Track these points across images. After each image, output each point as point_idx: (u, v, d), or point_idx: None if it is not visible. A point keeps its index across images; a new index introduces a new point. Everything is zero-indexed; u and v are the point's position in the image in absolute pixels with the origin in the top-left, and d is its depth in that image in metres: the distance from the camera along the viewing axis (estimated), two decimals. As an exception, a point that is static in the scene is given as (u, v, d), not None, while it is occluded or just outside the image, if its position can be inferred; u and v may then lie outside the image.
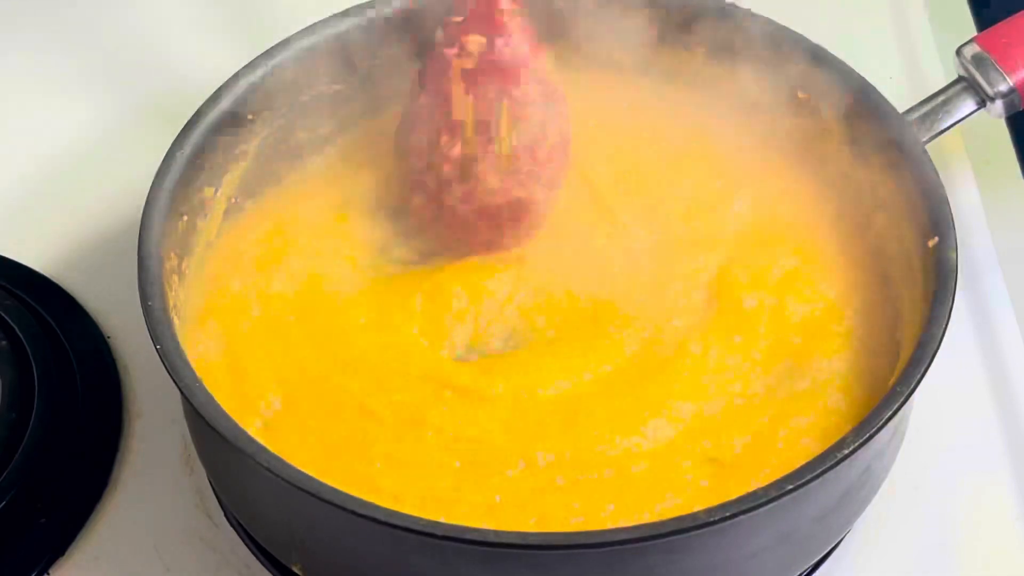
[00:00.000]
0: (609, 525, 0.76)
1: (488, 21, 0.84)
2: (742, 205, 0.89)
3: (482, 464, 0.78)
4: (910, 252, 0.83)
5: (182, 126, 0.85)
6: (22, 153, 1.05)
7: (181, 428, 0.89)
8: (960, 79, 0.90)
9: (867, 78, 0.88)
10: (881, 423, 0.73)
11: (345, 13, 0.91)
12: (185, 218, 0.84)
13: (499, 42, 0.84)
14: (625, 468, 0.79)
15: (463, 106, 0.84)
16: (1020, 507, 0.87)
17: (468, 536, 0.71)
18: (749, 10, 0.91)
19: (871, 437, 0.73)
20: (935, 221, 0.81)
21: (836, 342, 0.83)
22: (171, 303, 0.81)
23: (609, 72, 0.94)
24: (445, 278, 0.86)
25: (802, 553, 0.80)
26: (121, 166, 1.01)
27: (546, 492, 0.78)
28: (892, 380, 0.76)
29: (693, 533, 0.70)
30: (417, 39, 0.91)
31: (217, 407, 0.75)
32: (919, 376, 0.75)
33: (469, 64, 0.84)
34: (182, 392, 0.75)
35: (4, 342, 0.90)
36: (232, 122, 0.87)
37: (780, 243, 0.88)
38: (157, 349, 0.76)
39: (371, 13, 0.91)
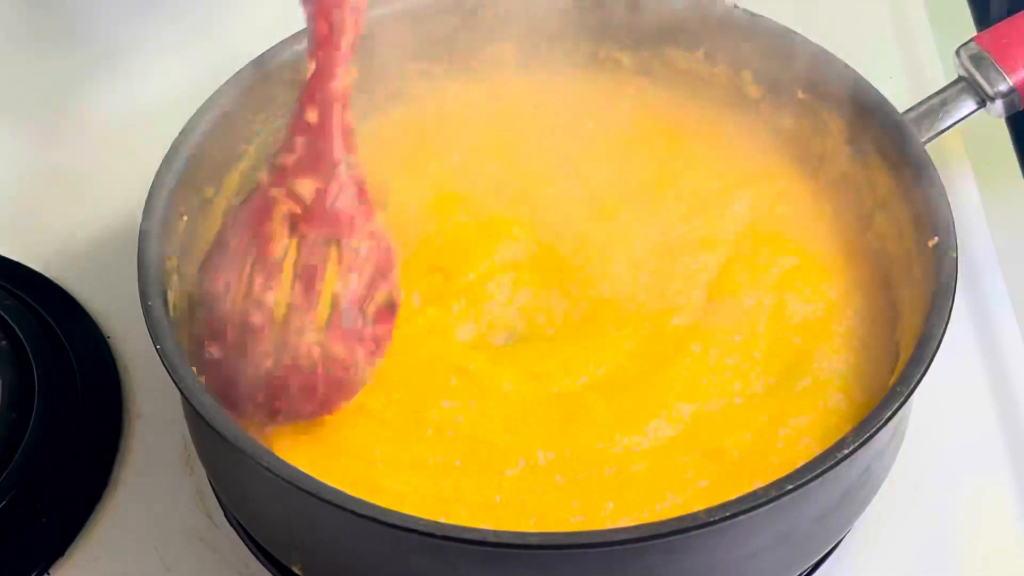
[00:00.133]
0: (609, 524, 0.76)
1: (322, 166, 0.79)
2: (742, 205, 0.90)
3: (483, 463, 0.79)
4: (910, 252, 0.83)
5: (182, 126, 0.85)
6: (22, 153, 1.05)
7: (181, 428, 0.89)
8: (960, 79, 0.90)
9: (867, 78, 0.88)
10: (881, 423, 0.73)
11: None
12: (185, 218, 0.84)
13: (333, 189, 0.78)
14: (625, 467, 0.79)
15: (284, 250, 0.78)
16: (1020, 507, 0.87)
17: (468, 536, 0.71)
18: (749, 10, 0.91)
19: (871, 437, 0.73)
20: (935, 221, 0.81)
21: (836, 342, 0.83)
22: (171, 303, 0.81)
23: (609, 72, 0.94)
24: (445, 277, 0.86)
25: (802, 553, 0.80)
26: (121, 166, 1.01)
27: (546, 491, 0.78)
28: (892, 380, 0.76)
29: (693, 533, 0.70)
30: (417, 39, 0.90)
31: (217, 407, 0.75)
32: (919, 376, 0.75)
33: (297, 208, 0.78)
34: (182, 392, 0.75)
35: (4, 342, 0.90)
36: (232, 122, 0.87)
37: (780, 243, 0.88)
38: (157, 349, 0.76)
39: (371, 13, 0.91)
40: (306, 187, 0.79)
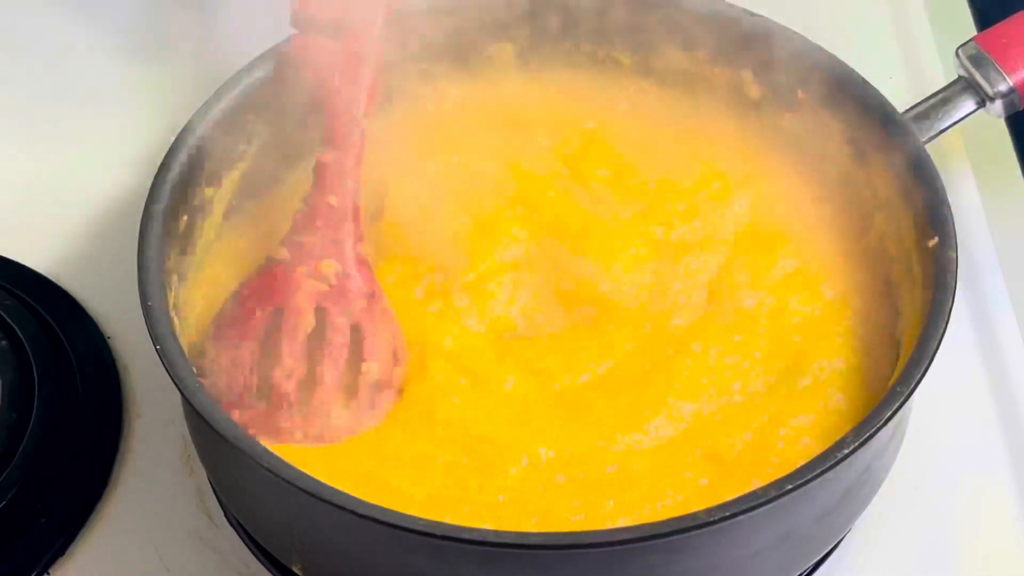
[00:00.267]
0: (609, 523, 0.76)
1: (342, 249, 0.83)
2: (742, 205, 0.90)
3: (487, 461, 0.79)
4: (910, 252, 0.83)
5: (182, 126, 0.85)
6: (22, 153, 1.05)
7: (181, 428, 0.89)
8: (960, 79, 0.90)
9: (867, 78, 0.87)
10: (881, 423, 0.73)
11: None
12: (185, 218, 0.84)
13: (351, 270, 0.83)
14: (626, 466, 0.79)
15: (309, 326, 0.82)
16: (1020, 507, 0.87)
17: (468, 536, 0.71)
18: (749, 10, 0.91)
19: (871, 437, 0.73)
20: (935, 221, 0.81)
21: (836, 342, 0.83)
22: (171, 303, 0.81)
23: (609, 72, 0.94)
24: (445, 277, 0.86)
25: (802, 553, 0.80)
26: (121, 166, 1.01)
27: (547, 490, 0.78)
28: (892, 380, 0.76)
29: (693, 533, 0.70)
30: (417, 39, 0.90)
31: (217, 407, 0.75)
32: (919, 376, 0.75)
33: (323, 287, 0.83)
34: (182, 392, 0.75)
35: (4, 342, 0.90)
36: (232, 122, 0.87)
37: (780, 243, 0.88)
38: (157, 349, 0.76)
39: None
40: (331, 268, 0.83)
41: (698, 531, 0.70)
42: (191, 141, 0.85)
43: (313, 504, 0.71)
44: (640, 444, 0.80)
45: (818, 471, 0.72)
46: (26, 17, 1.13)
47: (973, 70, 0.89)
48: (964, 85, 0.89)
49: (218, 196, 0.87)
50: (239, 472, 0.78)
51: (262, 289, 0.83)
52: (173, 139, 0.85)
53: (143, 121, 1.05)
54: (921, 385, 0.75)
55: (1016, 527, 0.86)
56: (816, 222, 0.89)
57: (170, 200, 0.83)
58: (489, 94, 0.94)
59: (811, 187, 0.90)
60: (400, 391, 0.83)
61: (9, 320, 0.91)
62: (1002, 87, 0.89)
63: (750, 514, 0.71)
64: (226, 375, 0.82)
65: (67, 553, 0.85)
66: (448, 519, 0.75)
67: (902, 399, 0.74)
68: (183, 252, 0.84)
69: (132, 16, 1.13)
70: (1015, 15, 0.91)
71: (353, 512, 0.71)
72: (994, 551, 0.86)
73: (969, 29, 1.09)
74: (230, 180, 0.88)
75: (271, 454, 0.73)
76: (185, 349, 0.78)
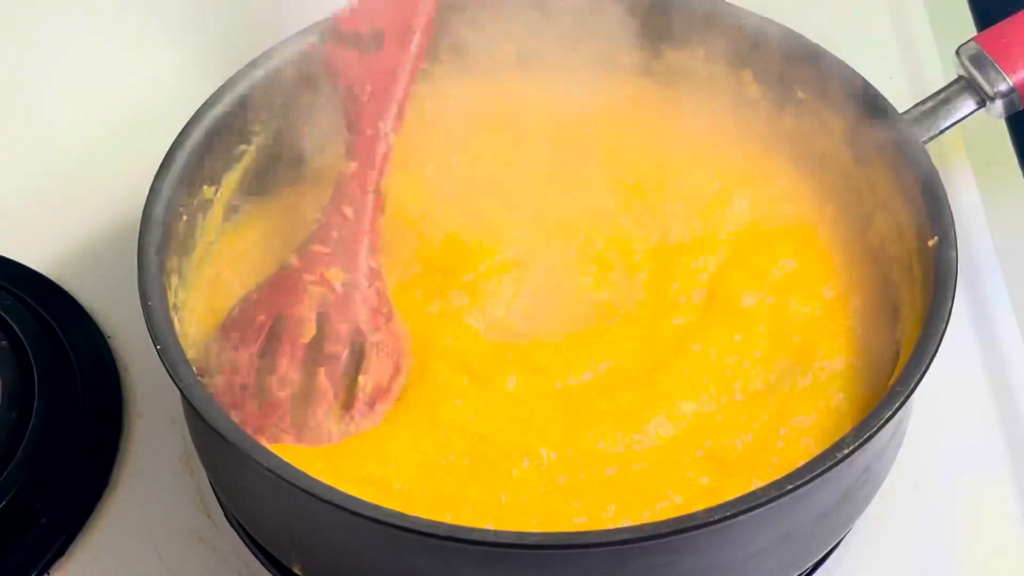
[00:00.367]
0: (611, 524, 0.76)
1: (353, 260, 0.84)
2: (742, 205, 0.90)
3: (490, 462, 0.79)
4: (910, 252, 0.83)
5: (182, 126, 0.85)
6: (22, 153, 1.05)
7: (181, 428, 0.89)
8: (960, 79, 0.90)
9: (867, 78, 0.87)
10: (881, 423, 0.73)
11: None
12: (185, 218, 0.84)
13: (361, 282, 0.83)
14: (626, 466, 0.79)
15: (310, 334, 0.82)
16: (1020, 507, 0.87)
17: (468, 536, 0.71)
18: (749, 10, 0.91)
19: (871, 437, 0.73)
20: (935, 221, 0.81)
21: (836, 341, 0.83)
22: (171, 303, 0.81)
23: (609, 72, 0.94)
24: (445, 277, 0.86)
25: (802, 553, 0.80)
26: (121, 166, 1.01)
27: (548, 491, 0.78)
28: (892, 380, 0.76)
29: (693, 533, 0.70)
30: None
31: (217, 407, 0.75)
32: (919, 376, 0.75)
33: (328, 295, 0.83)
34: (182, 392, 0.75)
35: (4, 342, 0.90)
36: (232, 122, 0.87)
37: (780, 243, 0.88)
38: (157, 349, 0.76)
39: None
40: (338, 276, 0.83)
41: (698, 531, 0.70)
42: (191, 141, 0.85)
43: (313, 504, 0.71)
44: (641, 444, 0.80)
45: (818, 471, 0.72)
46: (25, 17, 1.13)
47: (973, 70, 0.89)
48: (964, 85, 0.89)
49: (218, 196, 0.87)
50: (239, 472, 0.78)
51: (269, 295, 0.84)
52: (173, 139, 0.85)
53: (143, 121, 1.05)
54: (921, 385, 0.75)
55: (1016, 527, 0.86)
56: (816, 222, 0.89)
57: (170, 200, 0.83)
58: (489, 94, 0.94)
59: (811, 187, 0.90)
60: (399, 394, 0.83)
61: (9, 320, 0.91)
62: (1002, 87, 0.89)
63: (750, 514, 0.71)
64: (226, 376, 0.82)
65: (67, 553, 0.85)
66: (449, 519, 0.75)
67: (902, 399, 0.74)
68: (183, 252, 0.84)
69: (130, 14, 1.13)
70: (1015, 15, 0.91)
71: (353, 512, 0.71)
72: (994, 551, 0.86)
73: (969, 29, 1.09)
74: (230, 180, 0.88)
75: (271, 454, 0.73)
76: (185, 349, 0.78)
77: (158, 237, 0.81)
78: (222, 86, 0.87)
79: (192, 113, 0.86)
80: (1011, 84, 0.89)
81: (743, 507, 0.70)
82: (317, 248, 0.84)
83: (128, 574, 0.85)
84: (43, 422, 0.87)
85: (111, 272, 0.96)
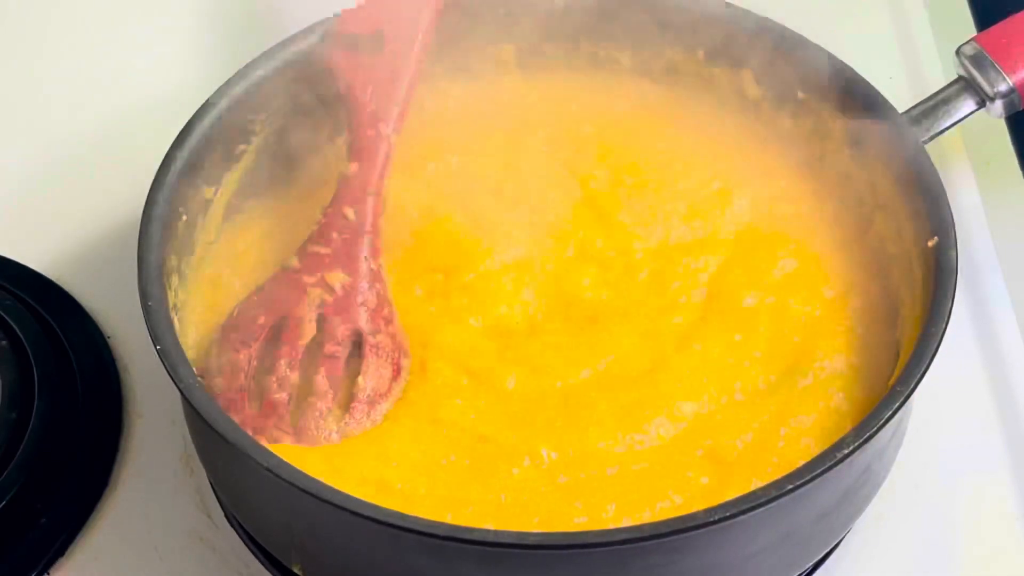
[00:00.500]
0: (611, 524, 0.76)
1: (354, 262, 0.84)
2: (742, 205, 0.90)
3: (490, 462, 0.79)
4: (910, 252, 0.83)
5: (182, 126, 0.85)
6: (22, 153, 1.05)
7: (181, 428, 0.89)
8: (960, 79, 0.90)
9: (867, 78, 0.87)
10: (881, 423, 0.73)
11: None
12: (185, 218, 0.84)
13: (361, 285, 0.83)
14: (627, 466, 0.79)
15: (310, 335, 0.82)
16: (1020, 507, 0.87)
17: (468, 536, 0.71)
18: (749, 11, 0.91)
19: (871, 437, 0.73)
20: (935, 221, 0.81)
21: (836, 341, 0.83)
22: (171, 303, 0.81)
23: (609, 72, 0.94)
24: (445, 277, 0.86)
25: (802, 553, 0.80)
26: (121, 166, 1.01)
27: (549, 491, 0.78)
28: (892, 380, 0.76)
29: (693, 533, 0.70)
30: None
31: (217, 407, 0.75)
32: (919, 376, 0.75)
33: (328, 298, 0.83)
34: (182, 392, 0.75)
35: (4, 342, 0.90)
36: (232, 123, 0.87)
37: (780, 243, 0.88)
38: (157, 349, 0.76)
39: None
40: (338, 279, 0.83)
41: (698, 531, 0.70)
42: (190, 141, 0.85)
43: (313, 504, 0.71)
44: (641, 444, 0.80)
45: (818, 471, 0.72)
46: (26, 18, 1.13)
47: (973, 70, 0.89)
48: (964, 85, 0.89)
49: (218, 196, 0.87)
50: (239, 472, 0.78)
51: (269, 296, 0.84)
52: (173, 139, 0.85)
53: (143, 121, 1.05)
54: (921, 385, 0.75)
55: (1016, 527, 0.86)
56: (816, 222, 0.89)
57: (170, 200, 0.83)
58: (489, 94, 0.94)
59: (811, 187, 0.90)
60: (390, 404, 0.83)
61: (9, 320, 0.91)
62: (1002, 87, 0.89)
63: (750, 514, 0.71)
64: (226, 377, 0.82)
65: (67, 553, 0.85)
66: (449, 519, 0.75)
67: (902, 399, 0.74)
68: (183, 252, 0.84)
69: (131, 15, 1.13)
70: (1015, 15, 0.91)
71: (353, 512, 0.71)
72: (994, 551, 0.86)
73: (969, 29, 1.09)
74: (230, 180, 0.88)
75: (271, 454, 0.73)
76: (185, 349, 0.78)
77: (158, 237, 0.81)
78: (222, 86, 0.87)
79: (192, 113, 0.86)
80: (1011, 84, 0.89)
81: (743, 507, 0.70)
82: (318, 249, 0.84)
83: (128, 574, 0.85)
84: (43, 422, 0.87)
85: (111, 272, 0.97)
